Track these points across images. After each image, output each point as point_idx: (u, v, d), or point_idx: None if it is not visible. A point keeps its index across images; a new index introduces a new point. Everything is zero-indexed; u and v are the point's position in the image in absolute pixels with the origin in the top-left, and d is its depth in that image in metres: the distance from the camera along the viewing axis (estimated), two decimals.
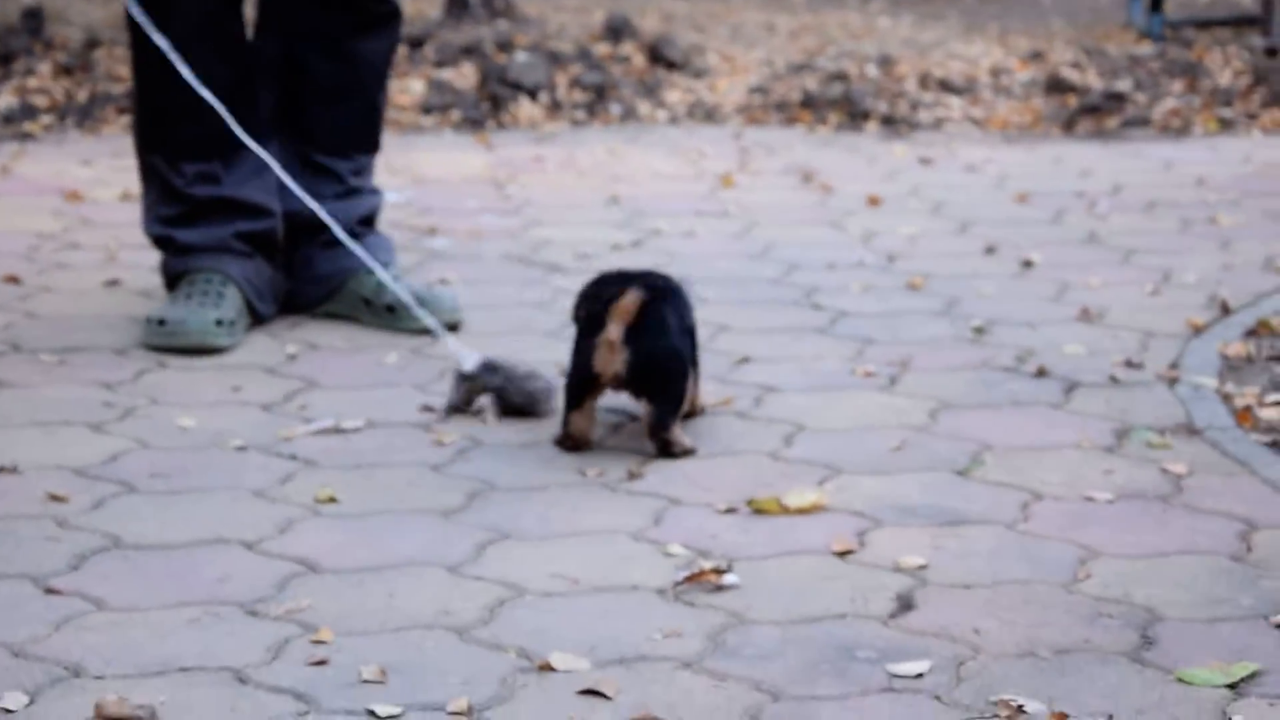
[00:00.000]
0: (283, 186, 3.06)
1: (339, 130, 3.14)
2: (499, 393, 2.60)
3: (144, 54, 2.99)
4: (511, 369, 2.61)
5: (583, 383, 2.44)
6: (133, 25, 2.97)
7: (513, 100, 5.57)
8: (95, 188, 4.25)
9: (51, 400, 2.63)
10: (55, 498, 2.23)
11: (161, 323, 2.92)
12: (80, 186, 4.24)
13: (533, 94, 5.66)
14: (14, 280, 3.31)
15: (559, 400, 2.54)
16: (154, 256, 3.39)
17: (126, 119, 5.32)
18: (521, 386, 2.60)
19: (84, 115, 5.38)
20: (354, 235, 3.10)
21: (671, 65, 6.27)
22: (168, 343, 2.91)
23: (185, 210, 3.05)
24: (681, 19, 8.12)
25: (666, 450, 2.44)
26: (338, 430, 2.53)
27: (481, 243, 3.77)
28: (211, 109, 2.95)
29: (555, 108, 5.65)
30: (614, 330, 2.41)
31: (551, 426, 2.54)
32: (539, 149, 4.97)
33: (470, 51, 6.46)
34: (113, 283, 3.33)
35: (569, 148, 4.99)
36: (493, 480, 2.34)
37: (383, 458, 2.43)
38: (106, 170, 4.51)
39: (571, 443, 2.46)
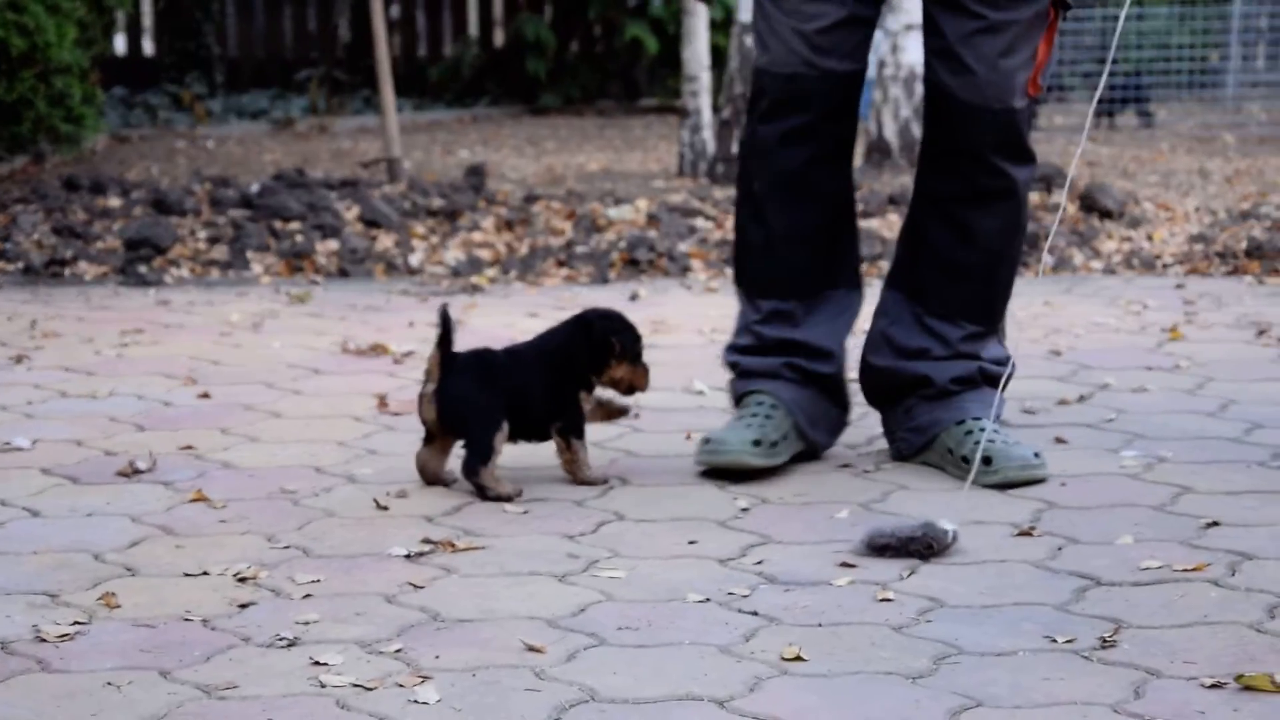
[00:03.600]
0: (886, 340, 3.20)
1: (950, 300, 3.18)
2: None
3: (741, 195, 3.21)
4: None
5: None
6: (739, 166, 3.20)
7: None
8: None
9: (519, 550, 2.73)
10: (532, 648, 2.30)
11: (707, 441, 3.12)
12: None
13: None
14: None
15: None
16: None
17: (566, 271, 5.54)
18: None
19: (525, 268, 5.61)
20: (946, 393, 3.18)
21: (1105, 214, 6.16)
22: (709, 460, 3.10)
23: (755, 344, 3.24)
24: (1107, 165, 7.98)
25: (480, 493, 2.96)
26: (792, 586, 2.53)
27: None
28: (790, 252, 3.15)
29: None
30: (429, 385, 2.99)
31: None
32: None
33: (895, 201, 6.50)
34: None
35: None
36: (958, 643, 2.31)
37: (843, 616, 2.42)
38: (552, 321, 4.67)
39: (422, 476, 3.06)
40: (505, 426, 3.02)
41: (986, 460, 3.04)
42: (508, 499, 2.97)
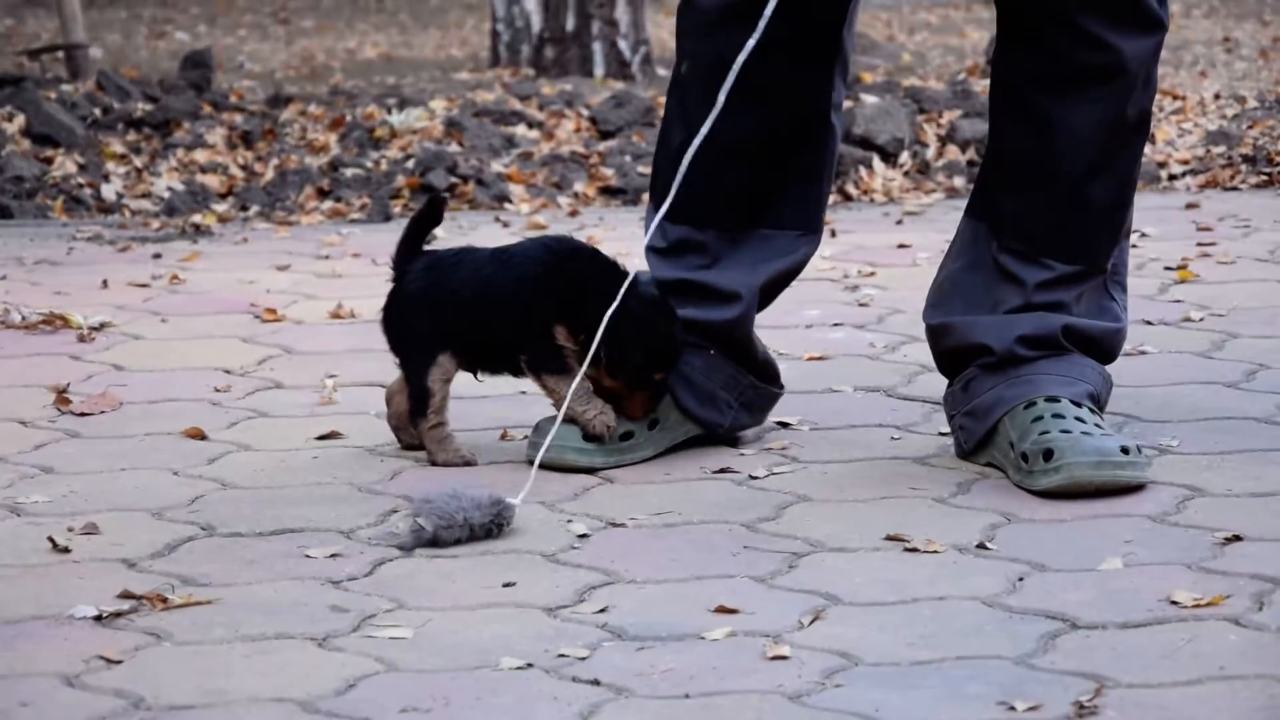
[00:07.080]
0: (953, 288, 3.25)
1: (1029, 229, 3.19)
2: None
3: (672, 77, 3.31)
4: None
5: None
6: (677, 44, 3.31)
7: (860, 164, 5.63)
8: (297, 302, 4.41)
9: (261, 604, 2.73)
10: None
11: (536, 428, 3.24)
12: (277, 301, 4.39)
13: (887, 154, 5.71)
14: (198, 436, 3.44)
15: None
16: (380, 399, 3.49)
17: (330, 203, 5.52)
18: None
19: (271, 200, 5.59)
20: (1012, 360, 3.19)
21: None
22: (529, 454, 3.21)
23: (657, 280, 3.30)
24: None
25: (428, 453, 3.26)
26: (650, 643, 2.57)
27: (829, 369, 3.80)
28: (718, 167, 3.19)
29: (923, 172, 5.69)
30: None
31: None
32: (900, 233, 5.01)
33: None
34: (329, 436, 3.45)
35: (922, 230, 5.02)
36: (879, 716, 2.35)
37: (719, 683, 2.46)
38: (310, 276, 4.68)
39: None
40: (444, 361, 3.21)
41: (1047, 454, 3.05)
42: (454, 463, 3.25)
